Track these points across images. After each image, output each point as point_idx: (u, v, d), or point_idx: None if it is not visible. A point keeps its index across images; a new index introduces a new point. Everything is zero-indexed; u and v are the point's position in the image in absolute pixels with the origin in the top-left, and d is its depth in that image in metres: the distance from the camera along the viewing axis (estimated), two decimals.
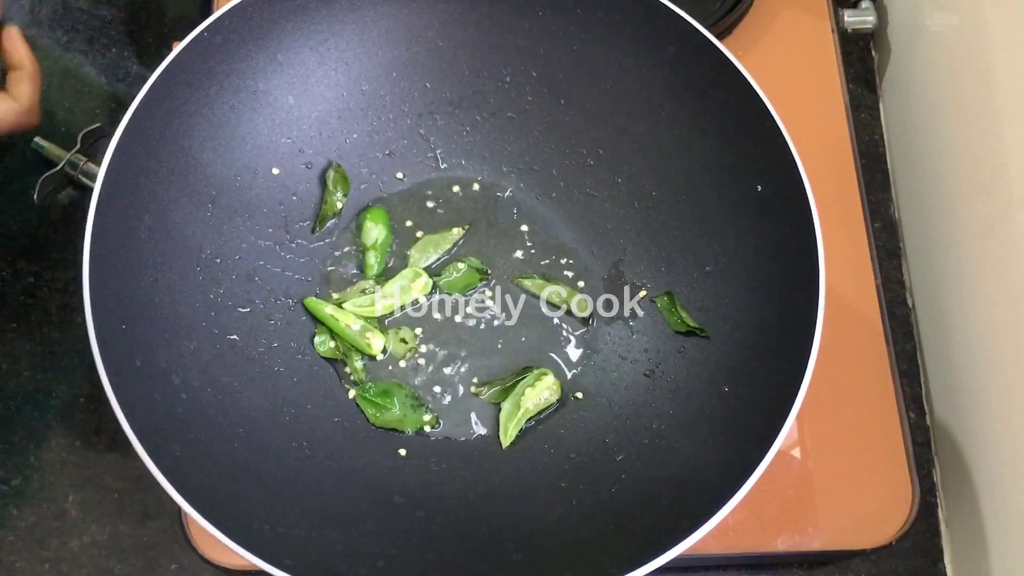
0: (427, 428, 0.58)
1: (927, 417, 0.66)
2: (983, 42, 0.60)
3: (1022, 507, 0.55)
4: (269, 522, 0.49)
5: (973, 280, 0.61)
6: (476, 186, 0.65)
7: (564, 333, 0.61)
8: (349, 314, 0.60)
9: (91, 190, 0.52)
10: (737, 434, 0.52)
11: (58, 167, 0.66)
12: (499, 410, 0.58)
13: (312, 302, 0.60)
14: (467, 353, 0.61)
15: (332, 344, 0.60)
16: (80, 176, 0.66)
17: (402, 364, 0.60)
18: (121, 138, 0.52)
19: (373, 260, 0.62)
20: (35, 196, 0.65)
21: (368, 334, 0.59)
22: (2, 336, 0.64)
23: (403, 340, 0.61)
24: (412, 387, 0.59)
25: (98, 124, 0.68)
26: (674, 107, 0.60)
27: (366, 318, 0.60)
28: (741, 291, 0.57)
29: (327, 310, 0.59)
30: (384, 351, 0.60)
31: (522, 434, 0.58)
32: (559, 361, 0.61)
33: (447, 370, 0.60)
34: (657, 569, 0.46)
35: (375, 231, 0.62)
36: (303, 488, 0.53)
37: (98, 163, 0.62)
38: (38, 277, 0.66)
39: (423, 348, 0.61)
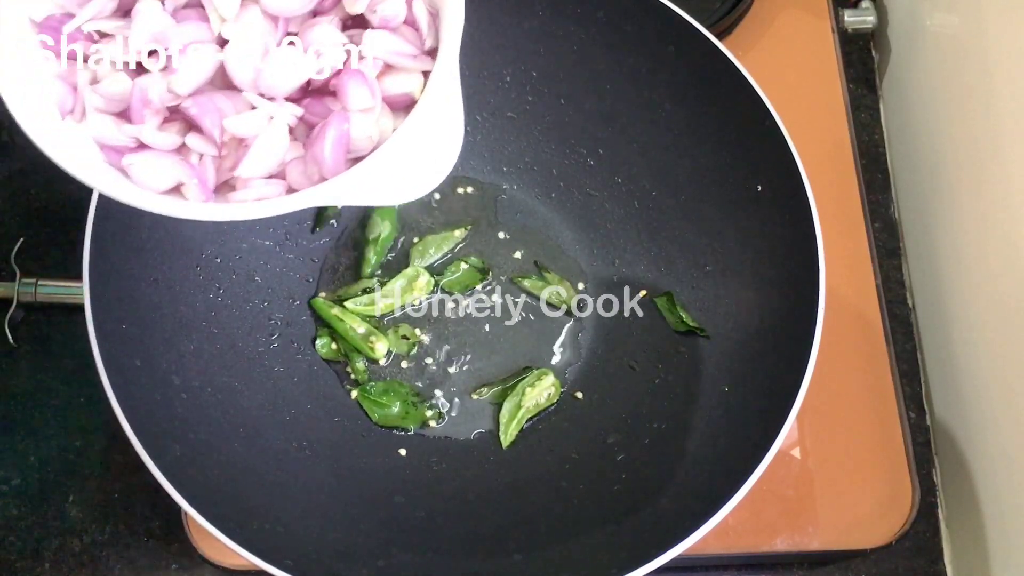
0: (431, 423, 0.58)
1: (927, 417, 0.66)
2: (983, 42, 0.60)
3: (1022, 507, 0.55)
4: (269, 522, 0.49)
5: (973, 280, 0.61)
6: (476, 186, 0.65)
7: (564, 333, 0.61)
8: (355, 316, 0.59)
9: (60, 303, 0.51)
10: (737, 434, 0.52)
11: (13, 304, 0.62)
12: (499, 410, 0.58)
13: (319, 303, 0.60)
14: (467, 352, 0.61)
15: (334, 346, 0.60)
16: (39, 299, 0.62)
17: (403, 364, 0.60)
18: None
19: (371, 255, 0.62)
20: (10, 340, 0.61)
21: (372, 338, 0.59)
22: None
23: (404, 337, 0.60)
24: (413, 386, 0.59)
25: (20, 239, 0.64)
26: (674, 107, 0.59)
27: (368, 319, 0.60)
28: (741, 291, 0.57)
29: (333, 311, 0.59)
30: (388, 354, 0.60)
31: (522, 434, 0.58)
32: (559, 361, 0.61)
33: (447, 369, 0.60)
34: (657, 569, 0.46)
35: (380, 226, 0.62)
36: (303, 488, 0.53)
37: (46, 276, 0.61)
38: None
39: (424, 344, 0.61)
